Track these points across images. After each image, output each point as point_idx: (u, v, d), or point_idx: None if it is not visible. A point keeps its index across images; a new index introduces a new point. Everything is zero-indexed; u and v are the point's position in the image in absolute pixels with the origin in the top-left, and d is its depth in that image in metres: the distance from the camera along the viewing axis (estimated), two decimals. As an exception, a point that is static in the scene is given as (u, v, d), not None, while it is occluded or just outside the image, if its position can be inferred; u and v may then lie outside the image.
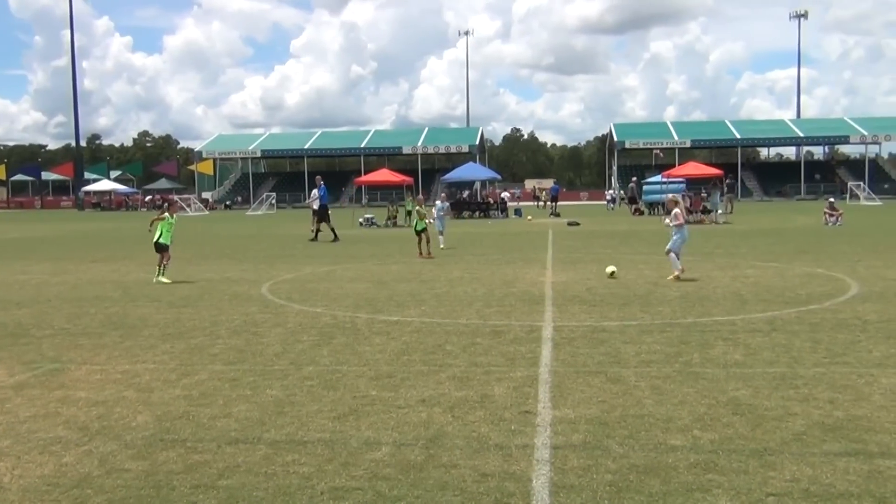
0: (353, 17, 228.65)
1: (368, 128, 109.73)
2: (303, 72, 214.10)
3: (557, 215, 46.29)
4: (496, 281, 14.93)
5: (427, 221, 20.81)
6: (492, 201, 49.62)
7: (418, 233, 20.46)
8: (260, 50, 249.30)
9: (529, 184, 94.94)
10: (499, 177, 60.79)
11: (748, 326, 9.93)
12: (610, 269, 15.31)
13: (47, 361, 8.66)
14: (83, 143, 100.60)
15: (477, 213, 47.03)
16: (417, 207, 21.56)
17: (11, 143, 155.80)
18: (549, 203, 50.79)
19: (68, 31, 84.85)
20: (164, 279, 15.44)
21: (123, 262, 20.74)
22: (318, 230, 27.51)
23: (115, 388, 7.41)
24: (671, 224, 14.88)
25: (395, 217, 39.33)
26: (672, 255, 14.73)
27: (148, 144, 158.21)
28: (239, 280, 15.93)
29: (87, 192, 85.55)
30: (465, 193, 54.25)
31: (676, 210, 14.95)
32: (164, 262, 15.70)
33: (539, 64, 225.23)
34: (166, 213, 16.08)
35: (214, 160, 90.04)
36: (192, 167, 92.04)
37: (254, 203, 69.91)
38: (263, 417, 6.40)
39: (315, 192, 31.34)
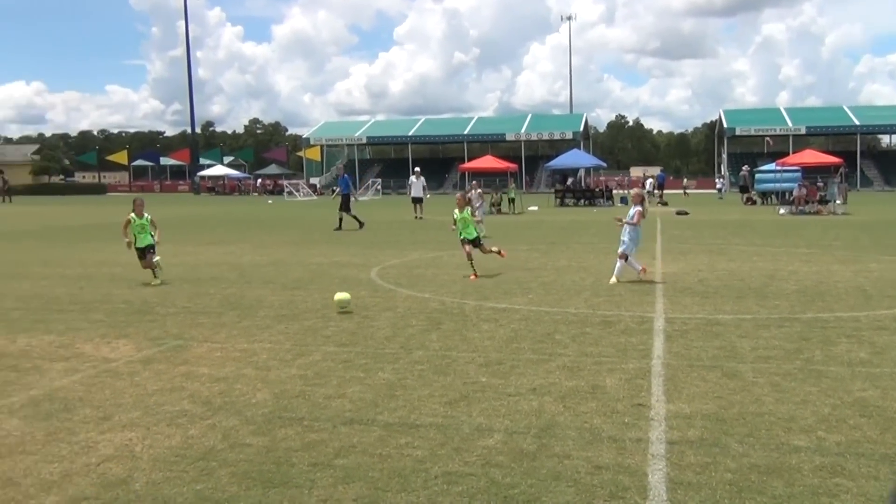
0: (455, 4, 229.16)
1: (471, 115, 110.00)
2: (406, 59, 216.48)
3: (665, 204, 45.26)
4: (604, 270, 14.69)
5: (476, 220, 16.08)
6: (596, 189, 48.91)
7: (469, 242, 14.47)
8: (364, 38, 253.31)
9: (635, 171, 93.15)
10: (604, 164, 59.90)
11: (873, 324, 9.45)
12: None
13: (171, 338, 9.05)
14: (198, 130, 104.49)
15: (582, 201, 46.45)
16: (458, 212, 14.69)
17: (132, 130, 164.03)
18: (655, 191, 49.68)
19: (183, 23, 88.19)
20: (157, 280, 13.50)
21: (238, 244, 21.46)
22: (341, 219, 27.14)
23: (235, 366, 7.69)
24: (626, 222, 13.16)
25: (500, 204, 39.27)
26: (622, 260, 13.10)
27: (258, 131, 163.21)
28: (348, 264, 16.24)
29: (203, 177, 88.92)
30: (570, 181, 53.65)
31: (638, 207, 13.12)
32: (151, 265, 13.67)
33: (644, 48, 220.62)
34: (132, 215, 13.85)
35: (322, 146, 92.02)
36: (301, 153, 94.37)
37: (360, 189, 71.13)
38: (376, 399, 6.50)
39: (412, 179, 31.75)
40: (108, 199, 68.38)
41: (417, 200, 34.27)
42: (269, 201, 60.39)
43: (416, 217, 33.09)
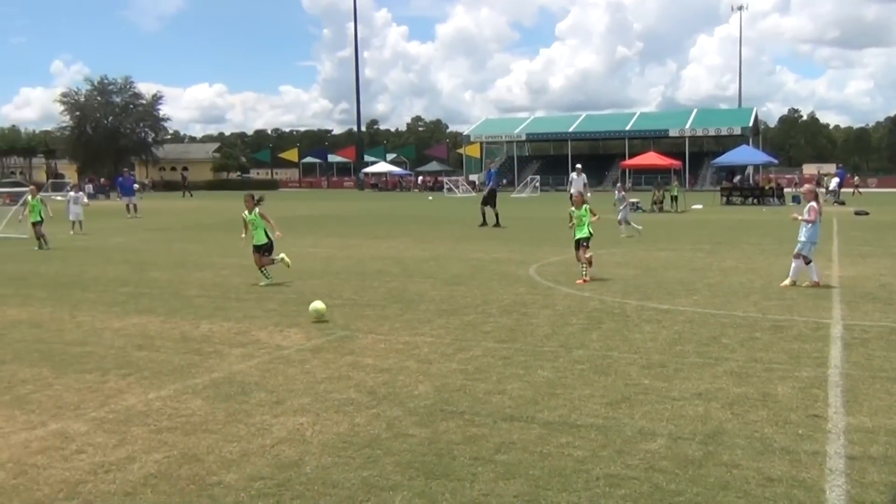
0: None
1: (633, 110, 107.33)
2: (568, 54, 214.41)
3: (842, 203, 42.48)
4: (774, 272, 13.98)
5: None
6: (766, 187, 46.56)
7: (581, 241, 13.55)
8: (526, 34, 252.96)
9: (808, 169, 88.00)
10: (775, 161, 56.96)
11: None
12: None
13: (338, 329, 9.41)
14: (363, 128, 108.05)
15: (750, 200, 44.37)
16: (576, 209, 13.99)
17: (303, 129, 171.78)
18: (838, 190, 46.58)
19: (352, 24, 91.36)
20: (266, 281, 13.16)
21: (400, 239, 22.03)
22: (484, 214, 26.69)
23: (398, 358, 7.89)
24: (801, 219, 12.30)
25: (661, 202, 38.17)
26: (799, 260, 12.30)
27: (420, 129, 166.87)
28: (506, 261, 16.30)
29: (367, 174, 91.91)
30: (736, 178, 51.35)
31: (813, 204, 12.30)
32: (264, 264, 13.43)
33: (822, 38, 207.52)
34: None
35: (481, 143, 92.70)
36: (461, 150, 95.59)
37: (518, 185, 71.21)
38: (536, 397, 6.49)
39: (573, 175, 31.31)
40: (278, 195, 71.98)
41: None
42: (430, 198, 61.60)
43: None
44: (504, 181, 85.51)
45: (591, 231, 13.62)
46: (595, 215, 13.61)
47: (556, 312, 10.30)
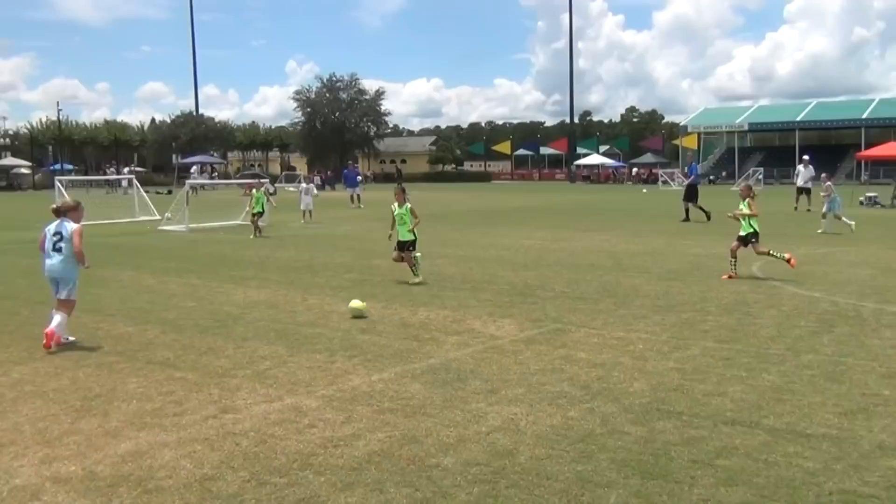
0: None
1: (871, 96, 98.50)
2: (797, 38, 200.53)
3: None
4: None
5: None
6: None
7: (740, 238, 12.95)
8: (751, 18, 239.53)
9: None
10: None
11: None
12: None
13: (550, 321, 9.43)
14: (576, 120, 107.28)
15: None
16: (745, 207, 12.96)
17: (515, 121, 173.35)
18: None
19: (567, 15, 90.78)
20: (417, 279, 12.50)
21: (613, 232, 21.67)
22: (687, 210, 25.21)
23: (612, 353, 7.78)
24: None
25: (903, 197, 34.78)
26: None
27: (634, 120, 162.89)
28: (727, 257, 15.51)
29: (578, 166, 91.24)
30: None
31: None
32: (409, 261, 12.82)
33: None
34: (394, 205, 13.04)
35: (699, 134, 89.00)
36: (677, 141, 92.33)
37: (739, 178, 67.71)
38: (760, 402, 6.15)
39: (800, 168, 29.33)
40: (491, 187, 73.21)
41: (804, 191, 31.36)
42: (644, 190, 60.08)
43: (795, 208, 30.58)
44: (724, 173, 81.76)
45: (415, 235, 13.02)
46: (416, 218, 13.16)
47: (781, 313, 9.70)
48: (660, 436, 5.42)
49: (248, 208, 22.56)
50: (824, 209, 21.44)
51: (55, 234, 8.44)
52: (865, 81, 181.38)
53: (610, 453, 5.11)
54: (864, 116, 79.12)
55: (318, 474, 4.81)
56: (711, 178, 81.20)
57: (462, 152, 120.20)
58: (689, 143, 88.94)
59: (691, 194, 25.85)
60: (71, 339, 8.44)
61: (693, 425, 5.63)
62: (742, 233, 12.87)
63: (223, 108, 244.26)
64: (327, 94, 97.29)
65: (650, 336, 8.54)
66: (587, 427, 5.62)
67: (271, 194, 29.45)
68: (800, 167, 33.03)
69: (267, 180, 32.31)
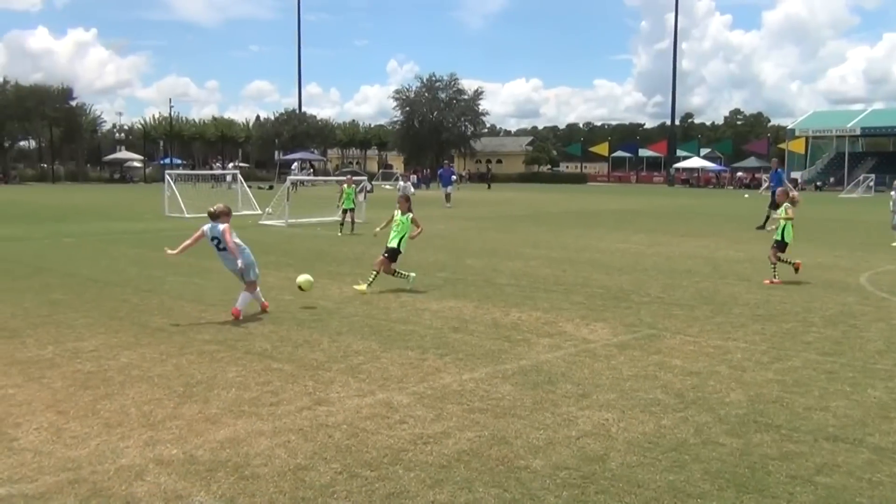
0: None
1: None
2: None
3: None
4: None
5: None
6: None
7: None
8: (867, 17, 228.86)
9: None
10: None
11: None
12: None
13: (645, 326, 9.26)
14: (676, 122, 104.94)
15: None
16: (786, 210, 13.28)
17: (614, 123, 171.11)
18: None
19: (672, 15, 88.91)
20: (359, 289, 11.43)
21: (712, 238, 21.12)
22: (768, 217, 23.71)
23: (708, 362, 7.59)
24: None
25: None
26: None
27: (738, 122, 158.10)
28: (833, 267, 14.96)
29: (678, 169, 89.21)
30: None
31: None
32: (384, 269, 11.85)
33: None
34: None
35: (807, 138, 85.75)
36: (783, 145, 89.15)
37: (848, 185, 64.98)
38: (865, 418, 5.90)
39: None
40: (587, 189, 72.42)
41: None
42: (746, 195, 58.22)
43: None
44: (832, 179, 78.49)
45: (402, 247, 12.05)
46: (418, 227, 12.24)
47: (890, 326, 9.26)
48: (756, 449, 5.26)
49: (338, 203, 22.97)
50: (894, 221, 20.09)
51: (212, 238, 9.61)
52: None
53: (704, 464, 4.99)
54: None
55: (407, 470, 4.87)
56: (818, 184, 78.12)
57: (558, 153, 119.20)
58: (797, 147, 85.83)
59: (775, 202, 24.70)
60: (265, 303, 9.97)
61: (792, 440, 5.44)
62: (776, 237, 13.01)
63: (325, 106, 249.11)
64: (426, 94, 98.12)
65: (749, 346, 8.29)
66: (680, 436, 5.51)
67: (369, 192, 29.98)
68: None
69: (364, 178, 32.80)
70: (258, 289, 9.91)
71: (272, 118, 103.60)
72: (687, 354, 7.88)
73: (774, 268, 12.88)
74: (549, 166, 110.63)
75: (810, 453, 5.19)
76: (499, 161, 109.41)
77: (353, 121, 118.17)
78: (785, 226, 13.03)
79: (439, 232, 22.43)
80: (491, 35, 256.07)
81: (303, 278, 10.67)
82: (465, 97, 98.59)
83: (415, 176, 63.26)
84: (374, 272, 11.70)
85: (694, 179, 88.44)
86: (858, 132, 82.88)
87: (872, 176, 66.05)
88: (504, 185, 75.79)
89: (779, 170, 27.36)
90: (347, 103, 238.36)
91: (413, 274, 11.92)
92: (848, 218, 31.71)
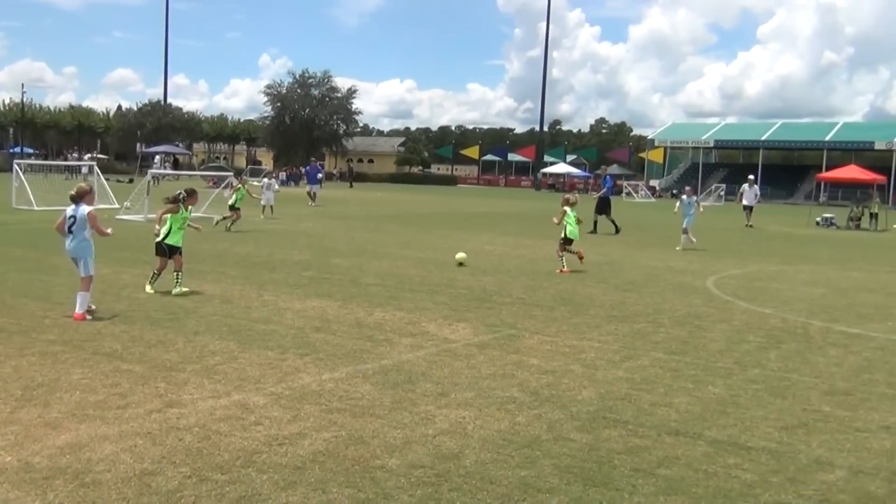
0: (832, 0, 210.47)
1: (836, 119, 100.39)
2: (768, 59, 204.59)
3: None
4: None
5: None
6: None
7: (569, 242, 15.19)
8: (724, 37, 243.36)
9: None
10: None
11: None
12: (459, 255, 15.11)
13: (505, 326, 9.47)
14: (545, 128, 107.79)
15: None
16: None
17: (485, 127, 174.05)
18: None
19: (544, 24, 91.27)
20: (182, 289, 10.89)
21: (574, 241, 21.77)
22: (596, 223, 24.81)
23: (563, 361, 7.83)
24: None
25: (859, 219, 35.54)
26: None
27: (603, 131, 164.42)
28: (683, 270, 15.77)
29: (545, 174, 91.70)
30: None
31: None
32: (177, 268, 11.10)
33: None
34: (179, 205, 11.18)
35: (665, 148, 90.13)
36: (643, 154, 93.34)
37: (701, 194, 68.59)
38: (705, 413, 6.25)
39: (745, 186, 29.96)
40: (457, 191, 73.32)
41: (748, 209, 32.81)
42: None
43: (745, 225, 31.48)
44: (687, 188, 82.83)
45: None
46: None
47: (732, 328, 9.86)
48: (604, 444, 5.48)
49: (229, 200, 22.48)
50: (684, 224, 20.78)
51: (70, 216, 9.27)
52: (830, 105, 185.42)
53: (554, 459, 5.14)
54: (827, 139, 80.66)
55: (260, 472, 4.78)
56: (675, 192, 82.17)
57: (430, 155, 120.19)
58: (656, 156, 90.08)
59: (603, 206, 25.39)
60: (93, 307, 9.30)
61: (638, 434, 5.69)
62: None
63: (192, 98, 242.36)
64: (298, 90, 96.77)
65: (602, 345, 8.62)
66: (534, 433, 5.66)
67: (278, 190, 29.29)
68: (745, 186, 34.46)
69: (231, 174, 32.01)
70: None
71: (135, 108, 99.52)
72: (544, 354, 8.11)
73: (562, 259, 14.88)
74: (420, 167, 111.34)
75: (653, 447, 5.44)
76: (370, 161, 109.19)
77: (222, 114, 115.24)
78: (569, 222, 15.02)
79: (306, 230, 22.15)
80: (366, 34, 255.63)
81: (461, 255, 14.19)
82: (339, 95, 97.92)
83: (285, 172, 62.20)
84: (176, 272, 10.99)
85: (560, 184, 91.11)
86: (712, 144, 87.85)
87: (724, 186, 70.10)
88: (375, 185, 75.68)
89: (608, 175, 28.48)
90: (216, 96, 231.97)
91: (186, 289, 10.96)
92: (699, 224, 33.46)
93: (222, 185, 28.95)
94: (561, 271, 14.45)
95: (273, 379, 6.82)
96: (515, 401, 6.43)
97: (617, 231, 24.54)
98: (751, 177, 36.62)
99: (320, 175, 38.23)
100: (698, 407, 6.42)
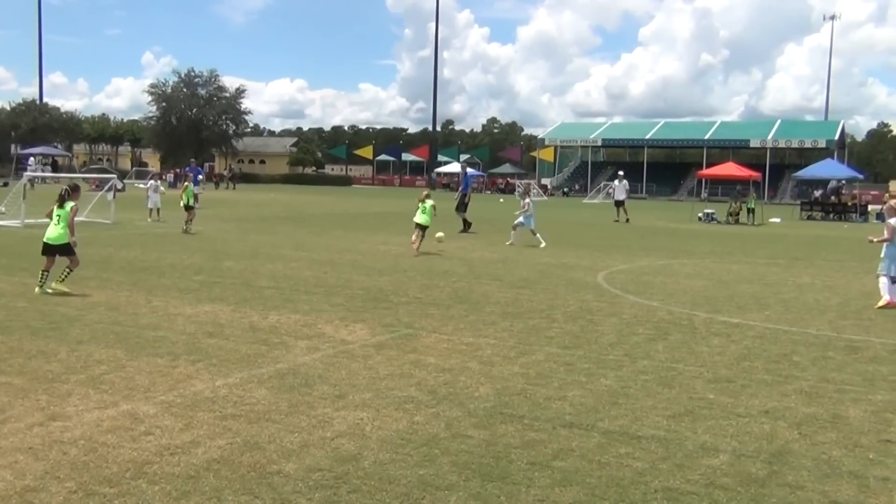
0: (707, 3, 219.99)
1: (714, 119, 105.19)
2: (650, 60, 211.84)
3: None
4: (853, 291, 13.55)
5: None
6: (849, 203, 45.10)
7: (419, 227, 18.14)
8: (608, 39, 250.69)
9: (895, 185, 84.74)
10: (860, 176, 55.05)
11: None
12: (438, 235, 18.00)
13: (403, 326, 9.48)
14: (438, 128, 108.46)
15: (831, 216, 43.06)
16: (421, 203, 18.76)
17: (379, 126, 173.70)
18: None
19: (434, 24, 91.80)
20: (62, 287, 10.87)
21: (469, 240, 22.05)
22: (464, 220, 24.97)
23: (460, 358, 7.91)
24: (879, 240, 12.07)
25: (738, 214, 37.30)
26: (884, 279, 11.93)
27: (495, 130, 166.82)
28: (575, 266, 16.17)
29: (439, 174, 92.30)
30: (818, 193, 49.89)
31: (890, 221, 11.92)
32: (72, 266, 11.21)
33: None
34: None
35: (556, 147, 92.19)
36: (535, 154, 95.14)
37: (591, 191, 70.56)
38: (597, 405, 6.43)
39: (615, 183, 31.07)
40: (351, 191, 72.93)
41: (620, 203, 34.47)
42: (501, 199, 61.46)
43: (615, 220, 32.91)
44: (577, 186, 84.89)
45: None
46: None
47: (622, 321, 10.18)
48: (501, 439, 5.56)
49: (181, 202, 22.09)
50: (517, 221, 21.09)
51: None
52: (709, 104, 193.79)
53: (452, 457, 5.19)
54: (707, 137, 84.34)
55: (151, 483, 4.63)
56: (566, 190, 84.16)
57: (324, 155, 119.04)
58: (546, 155, 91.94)
59: (462, 204, 25.41)
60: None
61: (534, 428, 5.81)
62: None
63: (71, 97, 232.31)
64: (184, 90, 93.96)
65: (498, 342, 8.75)
66: (432, 431, 5.69)
67: (119, 191, 28.33)
68: (615, 182, 35.96)
69: (114, 176, 30.83)
70: None
71: (8, 108, 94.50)
72: (441, 352, 8.17)
73: (419, 243, 17.73)
74: (314, 168, 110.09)
75: (549, 440, 5.56)
76: (262, 161, 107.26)
77: (104, 114, 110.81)
78: (423, 212, 18.24)
79: (197, 233, 21.56)
80: (254, 32, 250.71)
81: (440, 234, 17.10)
82: (227, 95, 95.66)
83: (171, 175, 60.32)
84: (68, 268, 11.02)
85: (454, 184, 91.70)
86: (600, 143, 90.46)
87: (612, 183, 72.03)
88: (267, 186, 74.37)
89: (468, 172, 28.79)
90: (97, 95, 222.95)
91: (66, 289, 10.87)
92: (589, 221, 34.48)
93: (105, 188, 27.81)
94: (416, 250, 17.54)
95: (164, 387, 6.61)
96: (413, 400, 6.45)
97: (466, 228, 24.20)
98: (620, 173, 38.35)
99: (200, 176, 36.83)
100: (591, 399, 6.60)
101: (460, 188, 26.56)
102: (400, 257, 16.98)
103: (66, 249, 10.97)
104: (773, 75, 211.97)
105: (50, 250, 10.98)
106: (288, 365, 7.47)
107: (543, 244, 20.19)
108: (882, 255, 11.95)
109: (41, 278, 10.86)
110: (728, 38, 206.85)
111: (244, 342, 8.36)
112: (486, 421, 5.95)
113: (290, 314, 10.01)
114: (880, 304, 11.72)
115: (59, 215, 11.04)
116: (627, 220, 32.87)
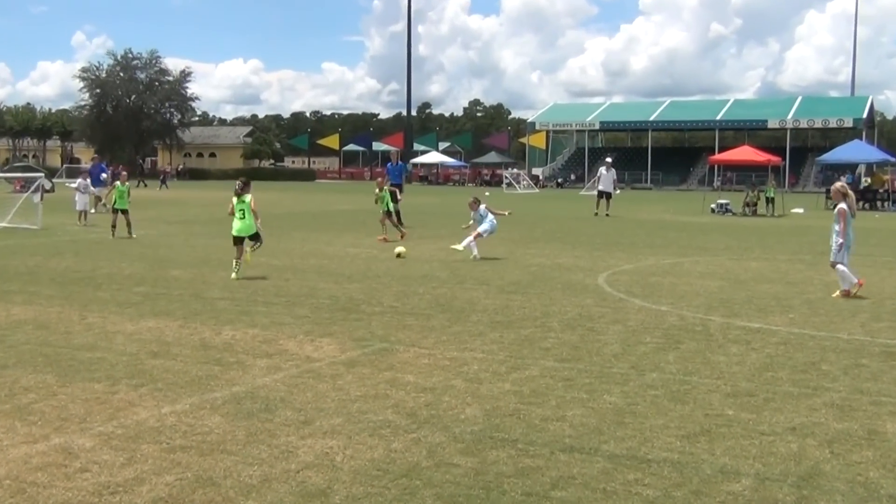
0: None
1: (727, 97, 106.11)
2: (653, 32, 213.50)
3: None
4: (888, 289, 13.68)
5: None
6: (880, 190, 45.57)
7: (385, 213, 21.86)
8: (605, 8, 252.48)
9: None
10: (892, 159, 55.70)
11: None
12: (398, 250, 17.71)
13: (376, 340, 9.46)
14: (414, 112, 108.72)
15: (861, 204, 43.48)
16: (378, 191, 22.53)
17: (346, 112, 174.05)
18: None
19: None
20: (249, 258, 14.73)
21: (450, 240, 21.98)
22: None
23: (444, 375, 7.90)
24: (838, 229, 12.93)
25: (755, 204, 37.61)
26: (840, 267, 12.77)
27: (479, 114, 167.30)
28: (572, 267, 16.22)
29: (415, 165, 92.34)
30: (845, 178, 50.42)
31: (842, 205, 12.80)
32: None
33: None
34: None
35: (547, 132, 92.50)
36: (524, 140, 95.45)
37: (588, 181, 70.86)
38: (601, 426, 6.43)
39: (602, 170, 30.83)
40: (315, 187, 72.91)
41: (605, 195, 33.98)
42: (486, 193, 61.55)
43: (595, 213, 32.71)
44: (573, 177, 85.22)
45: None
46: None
47: (627, 329, 10.21)
48: (492, 467, 5.55)
49: (105, 203, 22.04)
50: (485, 229, 19.90)
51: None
52: (721, 81, 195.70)
53: (436, 489, 5.17)
54: (719, 118, 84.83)
55: (88, 528, 4.58)
56: (560, 181, 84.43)
57: (283, 146, 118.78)
58: (537, 141, 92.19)
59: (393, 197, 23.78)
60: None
61: (529, 454, 5.80)
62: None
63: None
64: (121, 74, 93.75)
65: (486, 355, 8.75)
66: (412, 460, 5.67)
67: (47, 191, 28.10)
68: (601, 170, 35.18)
69: (42, 175, 30.58)
70: None
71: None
72: (421, 369, 8.16)
73: (384, 228, 21.11)
74: (271, 161, 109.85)
75: (546, 467, 5.56)
76: (212, 155, 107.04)
77: (29, 104, 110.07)
78: (387, 200, 21.67)
79: (138, 239, 21.44)
80: (200, 8, 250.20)
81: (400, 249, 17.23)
82: (170, 79, 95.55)
83: (108, 171, 59.81)
84: (258, 244, 14.67)
85: (433, 176, 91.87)
86: (598, 126, 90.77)
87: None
88: (218, 183, 74.10)
89: (399, 163, 28.21)
90: (21, 82, 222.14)
91: None
92: (587, 216, 34.55)
93: (31, 189, 27.57)
94: (385, 240, 20.19)
95: (102, 416, 6.55)
96: (390, 424, 6.42)
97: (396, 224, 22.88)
98: (608, 159, 37.14)
99: (104, 175, 35.98)
100: (594, 419, 6.60)
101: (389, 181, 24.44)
102: (372, 261, 16.97)
103: (254, 236, 14.52)
104: (792, 46, 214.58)
105: (240, 240, 14.36)
106: (246, 388, 7.43)
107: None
108: (834, 241, 12.34)
109: (235, 266, 14.07)
110: (741, 6, 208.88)
111: (194, 362, 8.30)
112: (474, 447, 5.93)
113: (247, 329, 9.97)
114: (840, 293, 12.05)
115: (241, 209, 14.36)
116: (602, 215, 32.69)
